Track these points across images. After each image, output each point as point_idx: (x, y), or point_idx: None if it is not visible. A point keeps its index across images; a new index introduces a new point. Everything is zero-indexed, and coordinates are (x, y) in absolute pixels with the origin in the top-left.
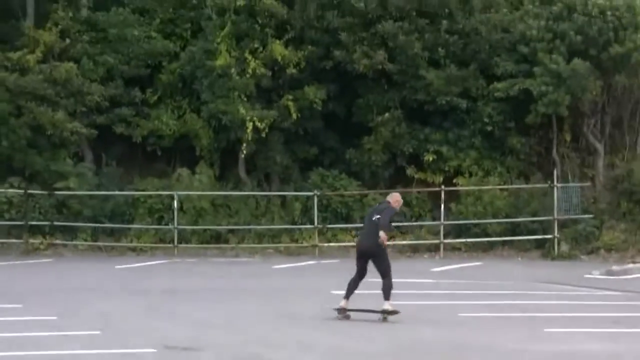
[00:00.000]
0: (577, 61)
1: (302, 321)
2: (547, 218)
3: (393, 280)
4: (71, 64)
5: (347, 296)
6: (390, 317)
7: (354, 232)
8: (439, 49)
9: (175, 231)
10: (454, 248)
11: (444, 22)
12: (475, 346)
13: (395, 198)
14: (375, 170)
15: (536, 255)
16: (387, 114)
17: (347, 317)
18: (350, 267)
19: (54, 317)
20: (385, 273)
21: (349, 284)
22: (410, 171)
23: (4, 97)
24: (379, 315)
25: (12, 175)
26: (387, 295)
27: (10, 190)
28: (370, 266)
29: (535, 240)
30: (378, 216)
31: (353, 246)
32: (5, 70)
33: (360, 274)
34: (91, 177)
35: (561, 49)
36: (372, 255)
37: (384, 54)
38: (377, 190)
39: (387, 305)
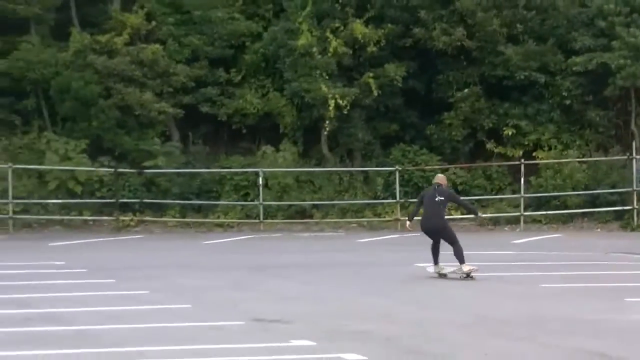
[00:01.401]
0: None
1: (388, 293)
2: (626, 190)
3: (474, 252)
4: (157, 45)
5: (436, 261)
6: (474, 274)
7: None
8: (517, 25)
9: (261, 207)
10: (534, 220)
11: None
12: (557, 317)
13: (444, 179)
14: (456, 145)
15: (615, 227)
16: (466, 90)
17: (445, 276)
18: (429, 241)
19: (146, 292)
20: (454, 241)
21: (433, 252)
22: (490, 145)
23: (93, 79)
24: (462, 275)
25: (103, 154)
26: (461, 259)
27: (101, 169)
28: None
29: (615, 211)
30: (442, 198)
31: None
32: (94, 53)
33: (436, 241)
34: (178, 155)
35: (639, 22)
36: (441, 231)
37: (463, 30)
38: (458, 164)
39: (465, 268)
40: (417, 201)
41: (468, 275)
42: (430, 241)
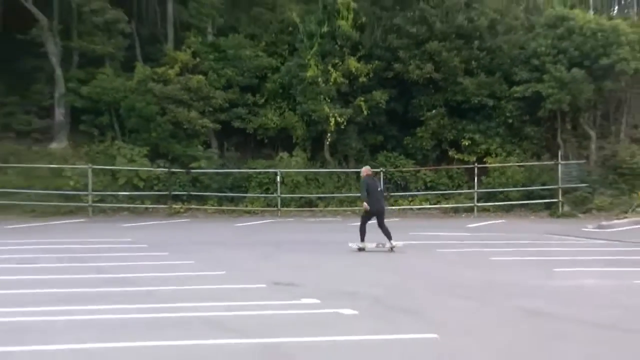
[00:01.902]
0: (575, 70)
1: (375, 264)
2: (553, 187)
3: (439, 233)
4: (201, 76)
5: (363, 239)
6: (396, 249)
7: (410, 199)
8: (473, 62)
9: (279, 199)
10: (484, 210)
11: (476, 42)
12: (504, 282)
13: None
14: (426, 152)
15: (545, 215)
16: (434, 110)
17: (363, 250)
18: (405, 225)
19: (192, 262)
20: (383, 222)
21: (363, 230)
22: (451, 153)
23: (152, 101)
24: (388, 249)
25: (159, 158)
26: (390, 235)
27: (158, 169)
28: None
29: (545, 203)
30: (381, 187)
31: (410, 209)
32: (153, 81)
33: (380, 221)
34: (216, 159)
35: (563, 61)
36: (382, 213)
37: (432, 66)
38: (427, 167)
39: (394, 243)
40: (366, 189)
41: (391, 249)
42: (409, 227)
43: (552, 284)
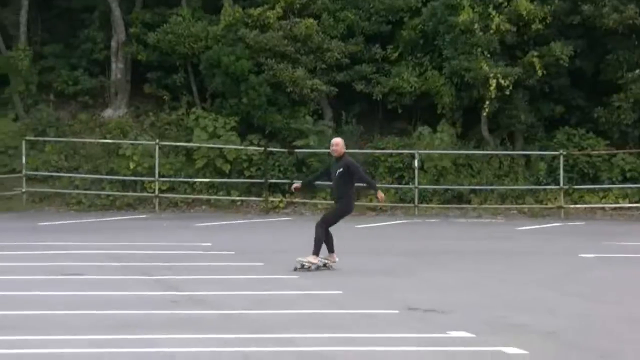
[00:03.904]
0: None
1: (549, 285)
2: None
3: None
4: (311, 20)
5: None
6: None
7: (601, 194)
8: None
9: (416, 191)
10: None
11: None
12: None
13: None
14: (625, 129)
15: None
16: (637, 71)
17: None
18: (595, 231)
19: (295, 276)
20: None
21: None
22: None
23: (243, 54)
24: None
25: (252, 132)
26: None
27: (250, 147)
28: None
29: None
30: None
31: (601, 208)
32: (245, 27)
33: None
34: (331, 135)
35: None
36: None
37: (635, 8)
38: (626, 150)
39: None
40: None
41: (325, 265)
42: (599, 233)
43: None
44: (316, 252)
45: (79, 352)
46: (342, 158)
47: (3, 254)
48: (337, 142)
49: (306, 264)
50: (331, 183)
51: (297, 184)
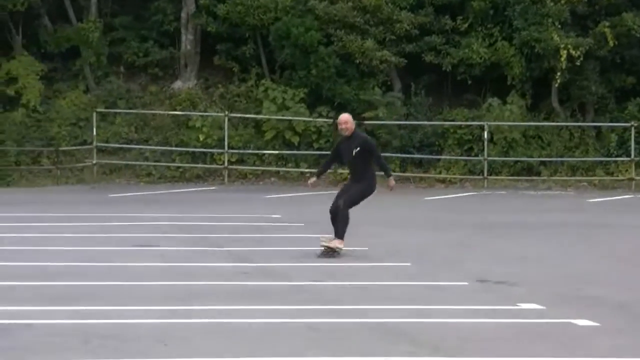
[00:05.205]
0: None
1: (620, 257)
2: None
3: None
4: None
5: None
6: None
7: None
8: None
9: (485, 163)
10: None
11: None
12: None
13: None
14: None
15: None
16: None
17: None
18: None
19: (365, 248)
20: None
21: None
22: None
23: (313, 25)
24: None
25: (321, 104)
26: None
27: (319, 119)
28: None
29: None
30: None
31: None
32: None
33: None
34: (400, 106)
35: None
36: None
37: None
38: None
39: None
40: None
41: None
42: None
43: None
44: (342, 236)
45: (152, 323)
46: (354, 135)
47: (77, 225)
48: (347, 119)
49: (336, 248)
50: (344, 164)
51: (312, 179)
